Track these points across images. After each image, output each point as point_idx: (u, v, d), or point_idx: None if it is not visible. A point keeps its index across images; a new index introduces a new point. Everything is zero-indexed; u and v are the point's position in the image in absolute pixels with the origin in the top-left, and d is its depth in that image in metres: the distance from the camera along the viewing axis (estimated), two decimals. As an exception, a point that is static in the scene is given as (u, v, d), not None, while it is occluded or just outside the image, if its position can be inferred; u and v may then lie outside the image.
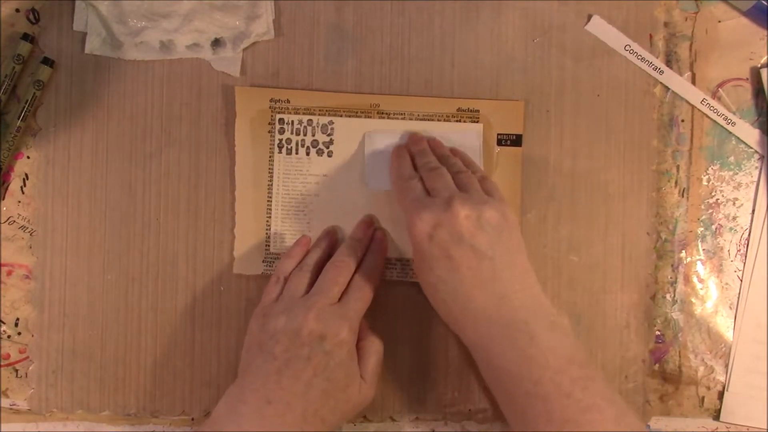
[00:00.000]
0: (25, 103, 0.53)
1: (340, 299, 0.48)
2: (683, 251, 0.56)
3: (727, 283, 0.56)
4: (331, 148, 0.54)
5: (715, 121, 0.56)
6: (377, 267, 0.51)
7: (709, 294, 0.56)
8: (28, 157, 0.54)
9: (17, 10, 0.54)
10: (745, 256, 0.56)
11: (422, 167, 0.49)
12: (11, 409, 0.54)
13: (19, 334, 0.54)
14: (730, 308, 0.56)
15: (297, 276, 0.50)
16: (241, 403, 0.45)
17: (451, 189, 0.46)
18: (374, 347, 0.50)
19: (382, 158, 0.53)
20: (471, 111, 0.54)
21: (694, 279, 0.56)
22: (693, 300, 0.56)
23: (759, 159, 0.56)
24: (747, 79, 0.56)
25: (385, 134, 0.54)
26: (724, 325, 0.56)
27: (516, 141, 0.54)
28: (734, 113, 0.56)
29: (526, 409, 0.42)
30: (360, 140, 0.54)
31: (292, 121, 0.54)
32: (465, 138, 0.53)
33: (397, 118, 0.54)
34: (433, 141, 0.53)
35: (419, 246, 0.45)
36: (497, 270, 0.44)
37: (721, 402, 0.56)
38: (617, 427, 0.41)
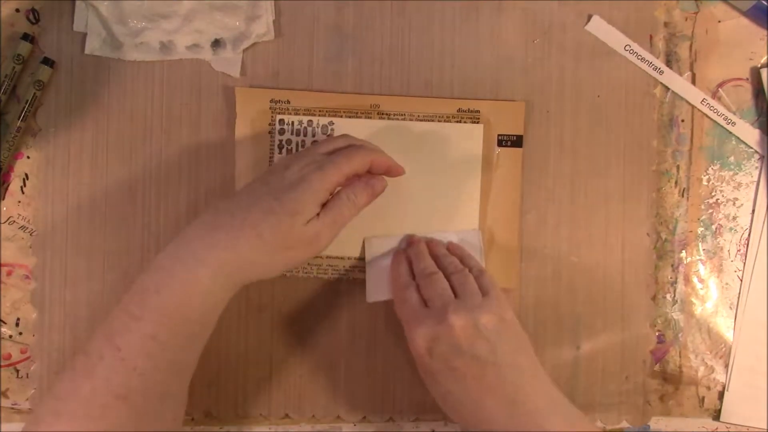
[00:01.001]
0: (25, 103, 0.53)
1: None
2: (683, 251, 0.56)
3: (727, 283, 0.56)
4: (331, 148, 0.54)
5: (715, 121, 0.56)
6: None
7: (709, 294, 0.56)
8: (28, 157, 0.54)
9: (17, 10, 0.54)
10: (745, 256, 0.56)
11: (418, 274, 0.49)
12: (12, 408, 0.54)
13: (20, 334, 0.54)
14: (730, 308, 0.56)
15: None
16: (204, 211, 0.46)
17: (446, 297, 0.46)
18: (349, 201, 0.47)
19: (382, 266, 0.53)
20: (471, 111, 0.54)
21: (695, 279, 0.56)
22: (693, 300, 0.56)
23: (759, 159, 0.56)
24: (747, 79, 0.56)
25: (385, 239, 0.53)
26: (724, 325, 0.56)
27: (516, 142, 0.54)
28: (734, 113, 0.56)
29: None
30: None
31: (293, 122, 0.54)
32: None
33: (398, 119, 0.54)
34: (431, 242, 0.53)
35: (421, 360, 0.46)
36: (503, 374, 0.44)
37: (721, 402, 0.56)
38: None
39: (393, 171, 0.50)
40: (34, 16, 0.54)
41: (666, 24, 0.56)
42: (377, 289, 0.52)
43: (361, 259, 0.54)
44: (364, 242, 0.53)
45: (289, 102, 0.54)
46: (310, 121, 0.54)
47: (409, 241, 0.53)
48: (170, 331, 0.42)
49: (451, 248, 0.52)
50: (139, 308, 0.42)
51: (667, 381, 0.56)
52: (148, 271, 0.44)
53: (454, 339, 0.44)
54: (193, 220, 0.45)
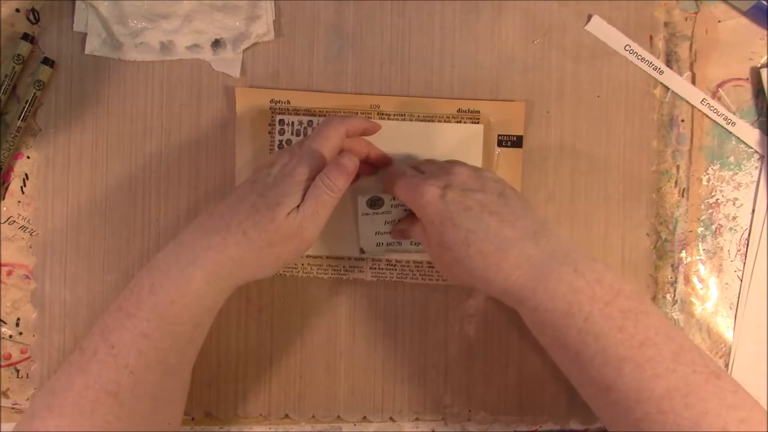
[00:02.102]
0: (25, 103, 0.53)
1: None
2: (683, 251, 0.56)
3: (727, 283, 0.56)
4: (331, 148, 0.54)
5: (715, 121, 0.56)
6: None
7: (709, 294, 0.56)
8: (28, 157, 0.54)
9: (17, 10, 0.54)
10: (745, 256, 0.56)
11: (418, 162, 0.50)
12: (13, 408, 0.54)
13: (21, 334, 0.54)
14: (730, 308, 0.56)
15: None
16: (200, 213, 0.47)
17: (445, 164, 0.48)
18: (324, 186, 0.45)
19: (373, 221, 0.52)
20: (471, 112, 0.54)
21: (694, 279, 0.56)
22: (693, 300, 0.56)
23: (759, 159, 0.56)
24: (747, 79, 0.56)
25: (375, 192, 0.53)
26: (724, 325, 0.56)
27: (516, 142, 0.54)
28: (734, 113, 0.56)
29: (581, 349, 0.41)
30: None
31: (293, 122, 0.54)
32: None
33: (398, 119, 0.54)
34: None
35: (434, 211, 0.44)
36: (517, 210, 0.44)
37: (720, 402, 0.56)
38: (676, 363, 0.39)
39: (370, 130, 0.51)
40: (34, 16, 0.54)
41: (666, 24, 0.56)
42: (369, 240, 0.52)
43: (360, 259, 0.54)
44: (357, 199, 0.52)
45: (289, 102, 0.54)
46: (310, 121, 0.54)
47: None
48: (162, 330, 0.42)
49: None
50: (134, 306, 0.43)
51: (667, 381, 0.56)
52: (145, 270, 0.44)
53: (464, 182, 0.45)
54: (191, 222, 0.46)
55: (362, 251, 0.53)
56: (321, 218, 0.46)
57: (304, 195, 0.45)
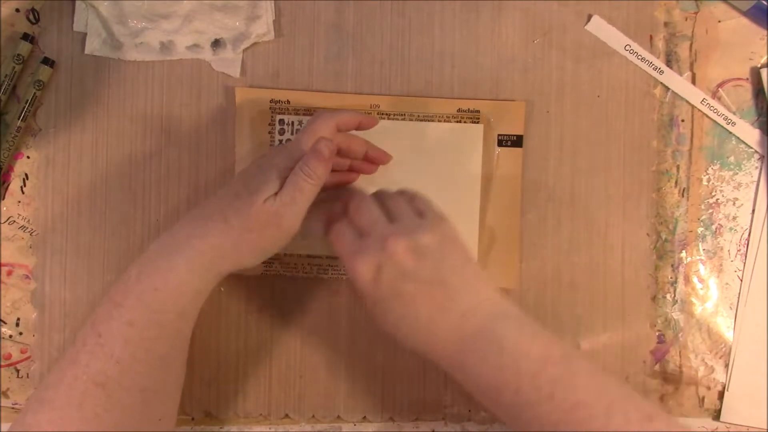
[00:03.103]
0: (25, 103, 0.53)
1: None
2: (683, 251, 0.56)
3: (727, 283, 0.56)
4: (331, 148, 0.54)
5: (715, 121, 0.56)
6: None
7: (710, 294, 0.56)
8: (28, 157, 0.54)
9: (17, 10, 0.54)
10: (745, 256, 0.56)
11: (351, 206, 0.47)
12: (13, 408, 0.54)
13: (21, 334, 0.54)
14: (730, 308, 0.56)
15: None
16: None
17: (381, 223, 0.45)
18: (303, 173, 0.45)
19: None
20: (471, 111, 0.54)
21: (695, 279, 0.56)
22: (693, 300, 0.56)
23: (759, 159, 0.56)
24: (747, 79, 0.56)
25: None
26: (724, 325, 0.56)
27: (517, 142, 0.54)
28: (734, 113, 0.56)
29: (516, 416, 0.42)
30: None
31: (292, 122, 0.54)
32: None
33: (397, 119, 0.54)
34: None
35: (367, 292, 0.44)
36: (451, 290, 0.43)
37: (721, 402, 0.56)
38: (609, 418, 0.40)
39: (365, 124, 0.50)
40: (34, 16, 0.54)
41: (666, 24, 0.56)
42: (307, 226, 0.50)
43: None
44: None
45: (289, 102, 0.54)
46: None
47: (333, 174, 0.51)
48: (147, 319, 0.43)
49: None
50: (121, 295, 0.43)
51: (667, 381, 0.56)
52: (135, 261, 0.44)
53: (397, 264, 0.43)
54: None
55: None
56: (300, 206, 0.45)
57: (283, 183, 0.45)
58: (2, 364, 0.54)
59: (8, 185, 0.54)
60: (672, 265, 0.56)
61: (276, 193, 0.45)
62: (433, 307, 0.43)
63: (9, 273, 0.54)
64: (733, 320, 0.56)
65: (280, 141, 0.54)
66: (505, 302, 0.45)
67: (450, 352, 0.43)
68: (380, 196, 0.48)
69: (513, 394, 0.41)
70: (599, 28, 0.55)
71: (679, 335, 0.56)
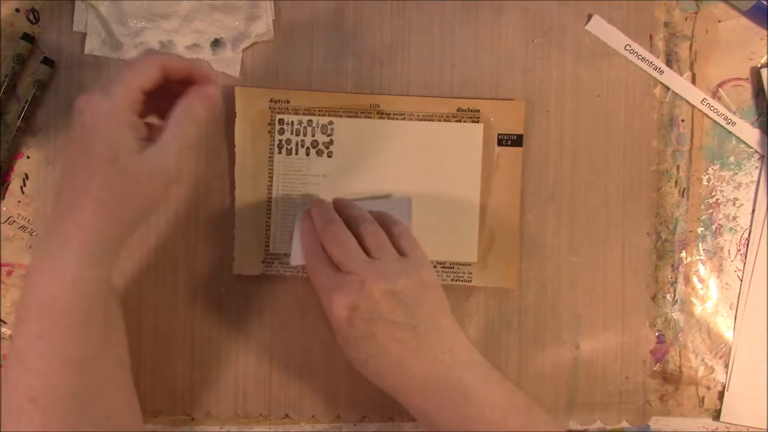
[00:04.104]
0: (25, 103, 0.53)
1: None
2: (683, 251, 0.56)
3: (727, 283, 0.56)
4: (331, 148, 0.54)
5: (715, 121, 0.56)
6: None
7: (709, 294, 0.56)
8: (28, 157, 0.54)
9: (17, 10, 0.54)
10: (745, 256, 0.56)
11: (320, 233, 0.46)
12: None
13: (20, 334, 0.54)
14: (730, 308, 0.56)
15: None
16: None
17: (360, 262, 0.44)
18: (188, 119, 0.43)
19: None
20: (471, 111, 0.54)
21: (695, 279, 0.56)
22: (693, 300, 0.56)
23: (759, 159, 0.56)
24: (747, 79, 0.56)
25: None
26: (724, 325, 0.56)
27: (517, 141, 0.54)
28: (734, 113, 0.56)
29: None
30: (360, 140, 0.54)
31: (292, 122, 0.54)
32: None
33: (397, 119, 0.54)
34: (342, 204, 0.50)
35: (340, 329, 0.44)
36: (422, 336, 0.44)
37: (721, 402, 0.56)
38: None
39: (197, 77, 0.44)
40: (34, 16, 0.54)
41: (666, 24, 0.56)
42: (297, 254, 0.50)
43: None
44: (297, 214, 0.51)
45: (288, 102, 0.54)
46: (310, 120, 0.54)
47: (314, 204, 0.50)
48: (55, 327, 0.40)
49: (372, 214, 0.49)
50: (25, 310, 0.41)
51: (667, 381, 0.56)
52: (27, 271, 0.43)
53: (373, 306, 0.43)
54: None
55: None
56: (188, 152, 0.43)
57: (135, 133, 0.41)
58: (2, 363, 0.54)
59: (8, 185, 0.54)
60: (672, 265, 0.56)
61: (155, 143, 0.41)
62: (405, 350, 0.44)
63: (9, 273, 0.54)
64: (733, 320, 0.56)
65: (280, 141, 0.54)
66: (472, 349, 0.46)
67: (418, 396, 0.44)
68: (358, 222, 0.47)
69: None
70: (599, 28, 0.55)
71: (679, 335, 0.56)
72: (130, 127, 0.41)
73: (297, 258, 0.50)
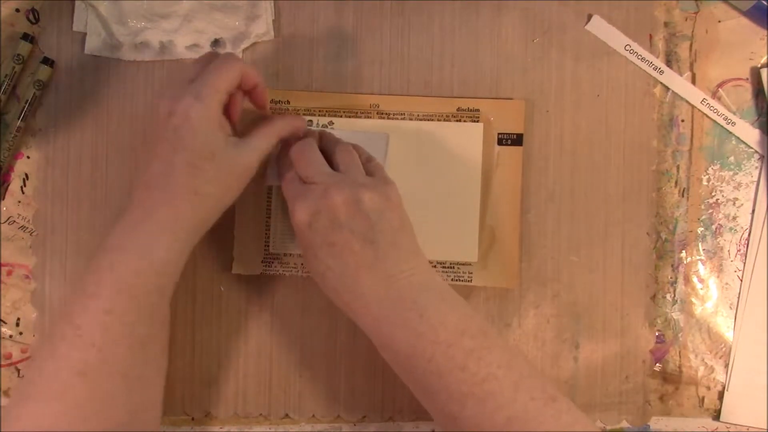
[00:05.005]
0: (25, 103, 0.53)
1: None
2: (683, 251, 0.56)
3: (727, 283, 0.56)
4: (331, 148, 0.54)
5: (715, 121, 0.56)
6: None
7: (709, 294, 0.56)
8: (28, 157, 0.54)
9: (17, 10, 0.54)
10: (745, 256, 0.56)
11: (293, 156, 0.48)
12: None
13: (21, 334, 0.54)
14: (730, 308, 0.56)
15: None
16: (130, 195, 0.46)
17: (324, 174, 0.46)
18: (275, 129, 0.48)
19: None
20: (471, 111, 0.54)
21: (694, 279, 0.56)
22: (693, 300, 0.56)
23: (759, 159, 0.56)
24: (747, 79, 0.56)
25: None
26: (724, 325, 0.56)
27: (517, 140, 0.54)
28: (734, 113, 0.56)
29: (426, 386, 0.43)
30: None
31: (292, 122, 0.54)
32: None
33: (397, 119, 0.54)
34: (321, 133, 0.52)
35: (301, 235, 0.45)
36: (381, 252, 0.44)
37: (721, 402, 0.56)
38: (516, 393, 0.41)
39: (260, 94, 0.49)
40: (34, 16, 0.54)
41: (666, 24, 0.56)
42: (272, 175, 0.52)
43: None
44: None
45: (288, 102, 0.54)
46: (310, 121, 0.54)
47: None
48: (127, 305, 0.42)
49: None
50: (95, 287, 0.43)
51: (667, 381, 0.56)
52: (99, 254, 0.44)
53: (334, 213, 0.44)
54: (128, 205, 0.45)
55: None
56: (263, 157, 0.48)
57: (225, 132, 0.45)
58: (3, 363, 0.54)
59: (8, 185, 0.54)
60: (672, 265, 0.56)
61: (226, 144, 0.45)
62: (361, 263, 0.44)
63: (9, 273, 0.54)
64: (733, 320, 0.56)
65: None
66: (432, 273, 0.46)
67: (371, 313, 0.44)
68: (333, 145, 0.49)
69: (426, 363, 0.42)
70: (599, 27, 0.55)
71: (679, 335, 0.56)
72: (220, 126, 0.45)
73: (272, 178, 0.51)
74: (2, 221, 0.54)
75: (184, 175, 0.44)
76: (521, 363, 0.43)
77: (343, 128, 0.53)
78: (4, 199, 0.54)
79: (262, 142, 0.47)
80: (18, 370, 0.54)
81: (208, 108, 0.44)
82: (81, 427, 0.41)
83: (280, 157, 0.51)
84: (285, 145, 0.50)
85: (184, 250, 0.45)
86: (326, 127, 0.54)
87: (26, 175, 0.54)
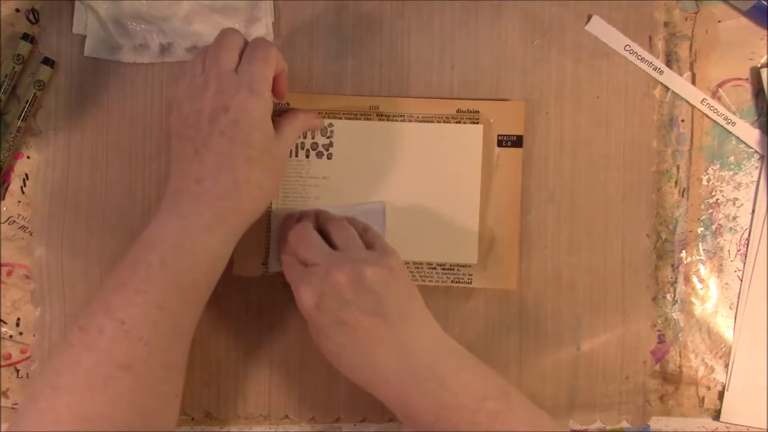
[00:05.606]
0: (26, 103, 0.53)
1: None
2: (683, 251, 0.56)
3: (727, 283, 0.56)
4: (331, 150, 0.54)
5: (715, 121, 0.56)
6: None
7: (710, 294, 0.56)
8: (28, 157, 0.54)
9: (17, 10, 0.54)
10: (745, 256, 0.56)
11: (291, 241, 0.48)
12: (13, 408, 0.54)
13: (21, 334, 0.54)
14: (730, 308, 0.56)
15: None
16: (172, 191, 0.46)
17: (324, 254, 0.46)
18: (300, 123, 0.51)
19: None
20: (471, 112, 0.54)
21: (695, 279, 0.56)
22: (693, 300, 0.56)
23: (759, 159, 0.56)
24: (747, 79, 0.56)
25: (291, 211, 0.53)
26: (724, 325, 0.56)
27: (517, 142, 0.54)
28: (734, 113, 0.56)
29: None
30: (360, 142, 0.54)
31: (292, 123, 0.54)
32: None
33: (397, 120, 0.54)
34: (318, 213, 0.52)
35: (310, 318, 0.45)
36: (392, 323, 0.44)
37: (721, 402, 0.56)
38: None
39: (283, 79, 0.50)
40: (34, 16, 0.54)
41: (666, 24, 0.56)
42: (274, 261, 0.53)
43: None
44: (270, 213, 0.53)
45: (288, 104, 0.54)
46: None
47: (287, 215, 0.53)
48: (178, 300, 0.43)
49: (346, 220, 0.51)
50: (143, 283, 0.43)
51: (667, 381, 0.56)
52: (145, 248, 0.44)
53: (339, 293, 0.44)
54: (171, 200, 0.46)
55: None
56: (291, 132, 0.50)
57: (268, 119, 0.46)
58: (2, 364, 0.54)
59: (8, 185, 0.54)
60: (672, 265, 0.56)
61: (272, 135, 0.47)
62: (374, 338, 0.44)
63: (9, 273, 0.54)
64: (733, 320, 0.56)
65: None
66: (445, 337, 0.46)
67: (390, 385, 0.44)
68: (328, 225, 0.49)
69: (451, 430, 0.42)
70: (599, 28, 0.55)
71: (679, 335, 0.56)
72: (264, 117, 0.46)
73: (274, 265, 0.52)
74: (2, 221, 0.54)
75: (244, 168, 0.45)
76: (545, 420, 0.44)
77: (338, 205, 0.53)
78: (4, 199, 0.54)
79: (292, 135, 0.50)
80: (17, 371, 0.54)
81: (264, 101, 0.45)
82: (124, 419, 0.41)
83: (279, 242, 0.51)
84: (283, 230, 0.51)
85: (235, 242, 0.47)
86: (326, 129, 0.54)
87: (26, 175, 0.54)
